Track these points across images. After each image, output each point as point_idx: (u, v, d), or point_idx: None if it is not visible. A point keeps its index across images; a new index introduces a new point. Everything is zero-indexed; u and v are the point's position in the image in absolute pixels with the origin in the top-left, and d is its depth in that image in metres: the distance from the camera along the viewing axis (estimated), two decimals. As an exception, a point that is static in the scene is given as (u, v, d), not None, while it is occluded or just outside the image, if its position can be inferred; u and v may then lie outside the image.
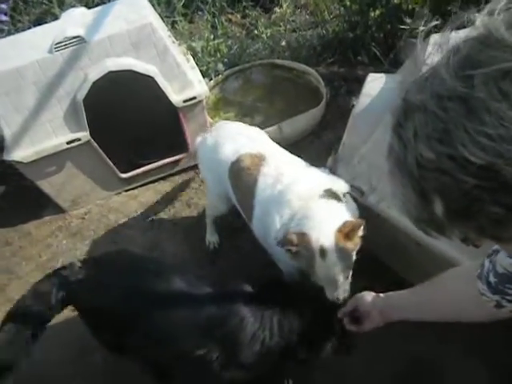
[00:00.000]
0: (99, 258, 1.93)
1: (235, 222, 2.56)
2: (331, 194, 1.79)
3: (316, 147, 3.02)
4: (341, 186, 1.89)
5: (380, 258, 2.23)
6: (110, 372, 2.11)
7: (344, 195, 1.86)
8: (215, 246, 2.59)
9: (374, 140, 1.93)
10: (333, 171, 2.14)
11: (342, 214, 1.69)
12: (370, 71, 2.70)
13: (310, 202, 1.76)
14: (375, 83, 2.10)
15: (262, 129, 2.96)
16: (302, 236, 1.59)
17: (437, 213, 0.60)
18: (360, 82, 2.52)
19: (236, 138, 2.16)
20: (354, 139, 2.06)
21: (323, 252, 1.56)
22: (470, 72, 0.53)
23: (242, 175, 2.02)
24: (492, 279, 1.02)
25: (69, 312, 2.39)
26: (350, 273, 1.71)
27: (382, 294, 1.41)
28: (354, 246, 1.63)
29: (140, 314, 1.56)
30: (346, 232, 1.57)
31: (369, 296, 1.42)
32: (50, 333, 2.31)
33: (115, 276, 1.68)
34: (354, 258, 1.69)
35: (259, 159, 2.02)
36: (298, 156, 2.19)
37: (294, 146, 3.11)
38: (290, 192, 1.84)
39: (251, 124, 3.27)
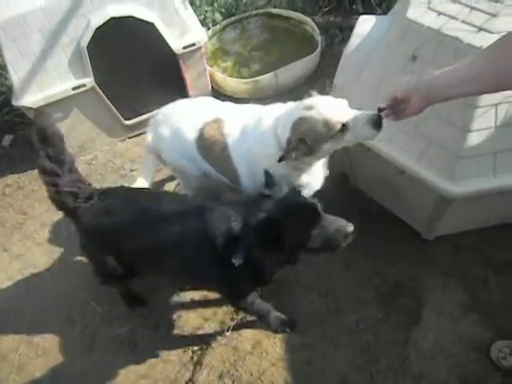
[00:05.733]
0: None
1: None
2: None
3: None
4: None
5: (368, 192, 2.42)
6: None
7: None
8: None
9: (362, 80, 2.06)
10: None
11: None
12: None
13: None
14: (366, 25, 2.19)
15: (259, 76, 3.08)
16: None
17: None
18: (354, 29, 2.61)
19: (188, 116, 2.12)
20: (344, 80, 2.17)
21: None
22: None
23: (210, 145, 2.04)
24: None
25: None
26: None
27: (424, 77, 1.36)
28: None
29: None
30: None
31: (408, 83, 1.40)
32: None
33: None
34: None
35: (218, 124, 2.02)
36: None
37: (290, 93, 3.24)
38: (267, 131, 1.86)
39: (249, 73, 3.41)
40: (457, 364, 1.88)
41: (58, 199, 1.86)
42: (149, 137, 2.26)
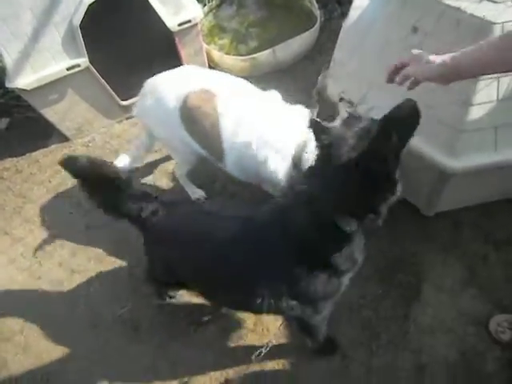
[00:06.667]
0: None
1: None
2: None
3: (310, 71, 3.08)
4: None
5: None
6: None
7: None
8: (205, 197, 2.58)
9: (363, 52, 2.01)
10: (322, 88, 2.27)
11: None
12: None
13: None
14: (365, -4, 2.14)
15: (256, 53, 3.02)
16: None
17: None
18: (353, 3, 2.54)
19: (172, 85, 2.04)
20: (344, 53, 2.13)
21: None
22: None
23: (196, 117, 1.97)
24: None
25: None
26: None
27: (449, 61, 1.18)
28: None
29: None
30: None
31: (431, 68, 1.22)
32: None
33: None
34: None
35: (207, 95, 1.95)
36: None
37: (288, 70, 3.19)
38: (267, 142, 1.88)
39: (246, 50, 3.34)
40: (456, 338, 1.90)
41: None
42: (135, 109, 2.25)
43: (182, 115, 2.01)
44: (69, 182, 2.87)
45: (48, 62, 2.63)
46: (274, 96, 2.07)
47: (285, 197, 1.43)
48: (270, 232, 1.41)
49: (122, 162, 2.46)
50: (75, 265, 2.45)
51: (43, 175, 2.96)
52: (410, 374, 1.83)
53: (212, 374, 1.96)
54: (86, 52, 2.64)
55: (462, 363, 1.84)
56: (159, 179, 2.78)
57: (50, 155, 3.07)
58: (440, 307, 1.99)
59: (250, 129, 1.92)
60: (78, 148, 3.07)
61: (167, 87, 2.05)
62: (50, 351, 2.15)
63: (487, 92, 1.66)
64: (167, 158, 2.83)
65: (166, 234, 1.66)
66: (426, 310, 1.99)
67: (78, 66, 2.67)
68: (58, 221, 2.69)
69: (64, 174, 2.89)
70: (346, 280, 1.50)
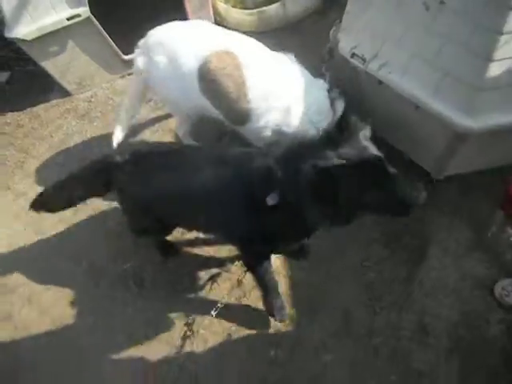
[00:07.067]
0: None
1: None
2: None
3: (319, 27, 2.95)
4: None
5: (377, 132, 2.33)
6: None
7: None
8: None
9: (378, 4, 1.90)
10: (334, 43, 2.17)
11: None
12: None
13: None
14: None
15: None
16: None
17: None
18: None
19: (189, 43, 1.91)
20: (357, 6, 2.02)
21: None
22: None
23: (218, 78, 1.87)
24: None
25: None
26: None
27: None
28: None
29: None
30: None
31: None
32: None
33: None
34: None
35: (230, 56, 1.87)
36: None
37: (298, 25, 3.06)
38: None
39: (254, 3, 3.19)
40: (460, 300, 1.90)
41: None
42: (139, 63, 2.04)
43: (200, 75, 1.90)
44: (71, 139, 2.83)
45: (47, 11, 2.51)
46: (289, 58, 2.03)
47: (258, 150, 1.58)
48: (233, 173, 1.52)
49: (118, 137, 2.29)
50: (78, 220, 2.43)
51: (45, 130, 2.91)
52: (412, 334, 1.84)
53: (214, 329, 1.99)
54: (86, 1, 2.52)
55: (465, 325, 1.85)
56: (162, 137, 2.72)
57: (52, 110, 3.00)
58: (445, 270, 1.98)
59: (282, 92, 1.92)
60: (80, 104, 3.00)
61: (183, 44, 1.92)
62: (54, 305, 2.17)
63: (509, 47, 1.58)
64: (170, 115, 2.76)
65: (140, 173, 1.69)
66: (431, 272, 1.99)
67: (79, 16, 2.55)
68: (60, 177, 2.65)
69: (66, 129, 2.89)
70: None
